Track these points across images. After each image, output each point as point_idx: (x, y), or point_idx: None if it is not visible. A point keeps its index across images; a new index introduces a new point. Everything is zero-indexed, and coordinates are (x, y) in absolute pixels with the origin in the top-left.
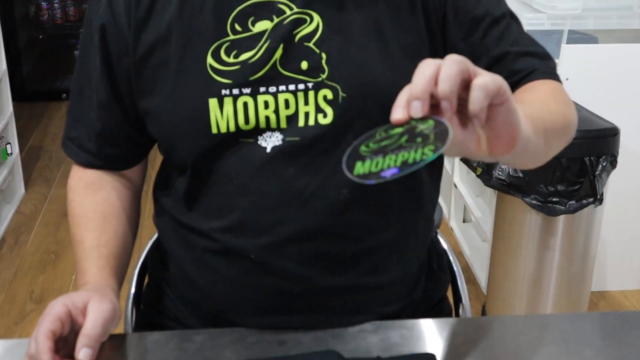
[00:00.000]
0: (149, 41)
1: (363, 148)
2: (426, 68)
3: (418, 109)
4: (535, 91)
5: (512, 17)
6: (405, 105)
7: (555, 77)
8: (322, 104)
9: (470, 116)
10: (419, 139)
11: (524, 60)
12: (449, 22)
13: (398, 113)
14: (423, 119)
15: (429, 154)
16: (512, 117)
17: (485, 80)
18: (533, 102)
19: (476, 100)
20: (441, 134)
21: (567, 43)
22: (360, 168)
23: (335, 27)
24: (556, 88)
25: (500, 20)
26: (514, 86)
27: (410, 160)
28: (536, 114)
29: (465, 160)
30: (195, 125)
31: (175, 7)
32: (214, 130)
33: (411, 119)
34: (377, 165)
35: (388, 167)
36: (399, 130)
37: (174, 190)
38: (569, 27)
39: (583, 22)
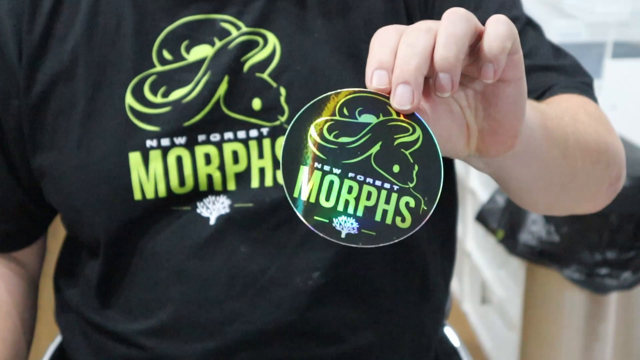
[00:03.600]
0: (47, 76)
1: (310, 134)
2: (418, 26)
3: (406, 97)
4: (555, 102)
5: (529, 24)
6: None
7: (587, 94)
8: None
9: (484, 61)
10: (395, 168)
11: (542, 75)
12: None
13: (381, 76)
14: (402, 119)
15: (407, 219)
16: (520, 102)
17: (507, 20)
18: (551, 107)
19: (497, 36)
20: (427, 166)
21: (613, 58)
22: (301, 189)
23: (297, 51)
24: (588, 103)
25: None
26: None
27: (378, 216)
28: (552, 113)
29: (482, 220)
30: (111, 190)
31: (82, 28)
32: (137, 195)
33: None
34: (328, 194)
35: (345, 210)
36: (370, 119)
37: (82, 279)
38: (614, 38)
39: (632, 31)
